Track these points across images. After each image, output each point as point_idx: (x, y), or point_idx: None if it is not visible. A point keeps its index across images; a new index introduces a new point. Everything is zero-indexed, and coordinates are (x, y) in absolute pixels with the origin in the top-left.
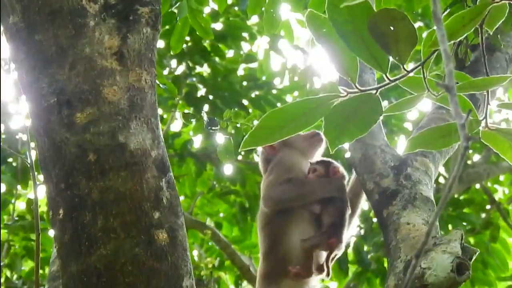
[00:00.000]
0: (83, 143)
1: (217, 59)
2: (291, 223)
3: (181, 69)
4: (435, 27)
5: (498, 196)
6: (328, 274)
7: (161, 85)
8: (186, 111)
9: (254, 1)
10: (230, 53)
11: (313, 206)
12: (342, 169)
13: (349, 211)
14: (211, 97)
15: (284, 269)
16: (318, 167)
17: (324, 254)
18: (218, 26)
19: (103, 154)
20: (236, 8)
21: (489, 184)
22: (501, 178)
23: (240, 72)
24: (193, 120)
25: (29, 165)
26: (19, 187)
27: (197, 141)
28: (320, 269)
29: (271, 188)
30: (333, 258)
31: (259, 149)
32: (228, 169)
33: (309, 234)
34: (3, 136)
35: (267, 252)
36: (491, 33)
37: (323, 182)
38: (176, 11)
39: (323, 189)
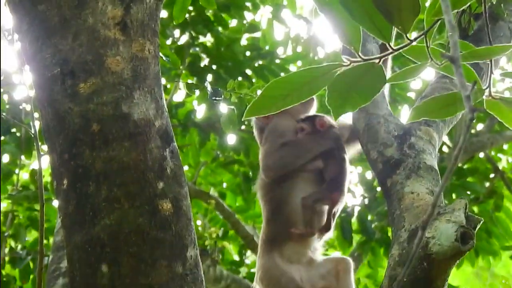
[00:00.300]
0: (87, 113)
1: (220, 29)
2: (292, 186)
3: (184, 39)
4: None
5: (502, 165)
6: (330, 229)
7: (164, 58)
8: (189, 81)
9: None
10: (233, 23)
11: (315, 163)
12: (328, 118)
13: (347, 160)
14: (214, 67)
15: (288, 232)
16: (305, 125)
17: (325, 211)
18: None
19: (107, 124)
20: None
21: (492, 153)
22: (505, 147)
23: (243, 42)
24: (197, 90)
25: (33, 136)
26: (22, 157)
27: (201, 111)
28: (323, 229)
29: (268, 157)
30: (335, 213)
31: (253, 120)
32: (231, 139)
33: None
34: (7, 106)
35: (269, 218)
36: (494, 2)
37: (315, 137)
38: None
39: (318, 145)
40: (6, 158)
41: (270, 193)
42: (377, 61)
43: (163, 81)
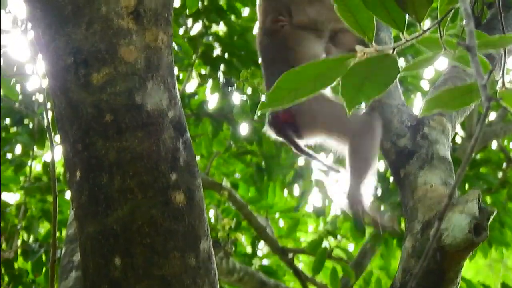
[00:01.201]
0: (100, 103)
1: (233, 17)
2: None
3: (196, 28)
4: None
5: None
6: None
7: (176, 48)
8: (202, 70)
9: None
10: (246, 12)
11: None
12: None
13: None
14: (226, 55)
15: None
16: None
17: None
18: None
19: (120, 114)
20: None
21: (505, 142)
22: None
23: (256, 30)
24: (210, 79)
25: (45, 127)
26: (35, 148)
27: (214, 101)
28: None
29: None
30: None
31: None
32: (244, 129)
33: None
34: (20, 97)
35: None
36: None
37: None
38: None
39: None
40: (18, 149)
41: None
42: (391, 51)
43: (176, 70)
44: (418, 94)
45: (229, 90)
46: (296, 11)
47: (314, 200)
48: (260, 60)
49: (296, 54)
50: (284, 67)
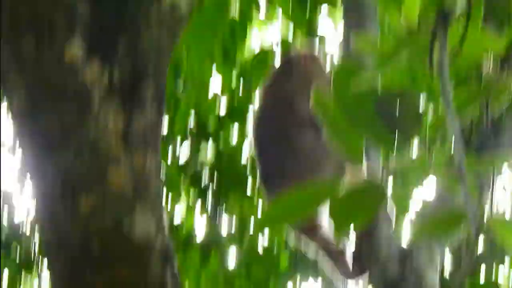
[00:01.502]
0: (88, 233)
1: (221, 143)
2: None
3: (184, 152)
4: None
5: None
6: None
7: (164, 174)
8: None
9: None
10: (234, 136)
11: None
12: None
13: None
14: (215, 181)
15: None
16: None
17: None
18: (223, 106)
19: (108, 244)
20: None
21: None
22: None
23: (246, 154)
24: (198, 204)
25: (32, 256)
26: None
27: (202, 228)
28: None
29: None
30: None
31: None
32: (232, 255)
33: None
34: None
35: None
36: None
37: None
38: (180, 94)
39: None
40: (5, 277)
41: None
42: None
43: (164, 196)
44: (407, 216)
45: (217, 219)
46: (298, 102)
47: None
48: (253, 135)
49: (293, 144)
50: (280, 151)
